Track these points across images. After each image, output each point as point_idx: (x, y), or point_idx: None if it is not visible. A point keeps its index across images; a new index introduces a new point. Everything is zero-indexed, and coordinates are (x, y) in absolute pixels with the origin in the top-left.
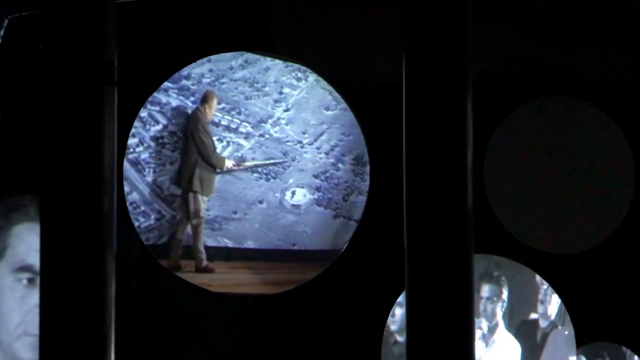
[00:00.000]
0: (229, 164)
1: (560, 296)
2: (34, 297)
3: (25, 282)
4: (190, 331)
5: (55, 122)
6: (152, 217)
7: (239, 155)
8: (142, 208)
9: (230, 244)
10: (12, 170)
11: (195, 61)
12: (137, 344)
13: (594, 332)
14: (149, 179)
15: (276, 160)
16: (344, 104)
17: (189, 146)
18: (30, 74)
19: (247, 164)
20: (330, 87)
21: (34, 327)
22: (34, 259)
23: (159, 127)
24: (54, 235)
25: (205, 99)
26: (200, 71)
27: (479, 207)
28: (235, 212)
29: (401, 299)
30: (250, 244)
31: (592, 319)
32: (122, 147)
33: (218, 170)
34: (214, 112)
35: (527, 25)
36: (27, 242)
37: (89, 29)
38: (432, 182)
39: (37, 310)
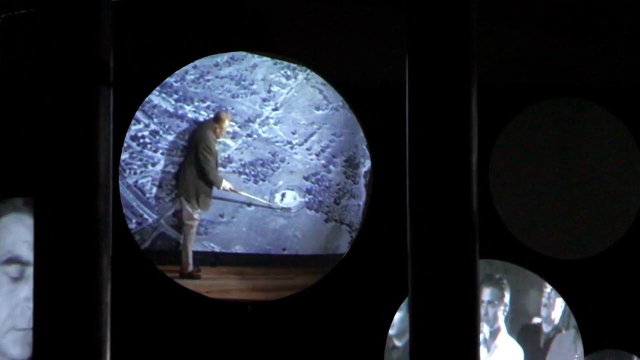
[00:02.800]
0: (226, 185)
1: (568, 302)
2: (22, 290)
3: (13, 274)
4: (186, 337)
5: (48, 123)
6: (134, 221)
7: (226, 155)
8: (123, 211)
9: (217, 249)
10: (4, 174)
11: (192, 61)
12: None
13: (602, 338)
14: (130, 181)
15: (273, 205)
16: (335, 103)
17: (192, 158)
18: (23, 74)
19: (243, 193)
20: (320, 86)
21: (22, 322)
22: (21, 250)
23: (140, 126)
24: (48, 240)
25: (218, 119)
26: (184, 68)
27: (485, 211)
28: (222, 216)
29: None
30: (238, 249)
31: (600, 325)
32: (118, 149)
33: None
34: (225, 132)
35: (534, 26)
36: (14, 233)
37: (84, 29)
38: (436, 186)
39: (25, 304)
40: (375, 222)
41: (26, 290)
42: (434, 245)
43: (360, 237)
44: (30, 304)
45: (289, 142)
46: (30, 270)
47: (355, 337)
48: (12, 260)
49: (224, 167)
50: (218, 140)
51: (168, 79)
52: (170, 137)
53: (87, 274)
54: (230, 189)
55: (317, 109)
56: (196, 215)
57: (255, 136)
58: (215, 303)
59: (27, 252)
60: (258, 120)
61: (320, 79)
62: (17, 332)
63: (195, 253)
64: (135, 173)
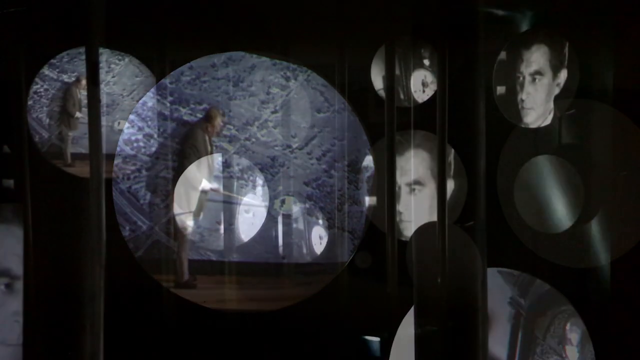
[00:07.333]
0: (205, 185)
1: (580, 313)
2: (12, 304)
3: (2, 287)
4: (182, 348)
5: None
6: (127, 228)
7: (223, 160)
8: (116, 218)
9: (213, 257)
10: None
11: (190, 61)
12: None
13: (616, 352)
14: (123, 186)
15: (252, 203)
16: (336, 106)
17: (184, 161)
18: (10, 74)
19: (225, 192)
20: (322, 88)
21: (11, 337)
22: (11, 263)
23: (133, 129)
24: (38, 247)
25: (209, 117)
26: (179, 69)
27: (492, 217)
28: (219, 222)
29: None
30: (235, 257)
31: (613, 338)
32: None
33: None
34: (218, 129)
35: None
36: (3, 245)
37: (74, 27)
38: (441, 191)
39: (14, 319)
40: (378, 230)
41: (15, 304)
42: (440, 253)
43: (363, 245)
44: (20, 319)
45: (289, 146)
46: (19, 284)
47: (357, 349)
48: (1, 273)
49: (221, 172)
50: (212, 139)
51: (162, 80)
52: (166, 141)
53: (78, 283)
54: (212, 189)
55: (318, 111)
56: (190, 222)
57: (253, 140)
58: (212, 313)
59: (16, 266)
60: (256, 123)
61: (321, 80)
62: (7, 348)
63: (191, 261)
64: (128, 178)
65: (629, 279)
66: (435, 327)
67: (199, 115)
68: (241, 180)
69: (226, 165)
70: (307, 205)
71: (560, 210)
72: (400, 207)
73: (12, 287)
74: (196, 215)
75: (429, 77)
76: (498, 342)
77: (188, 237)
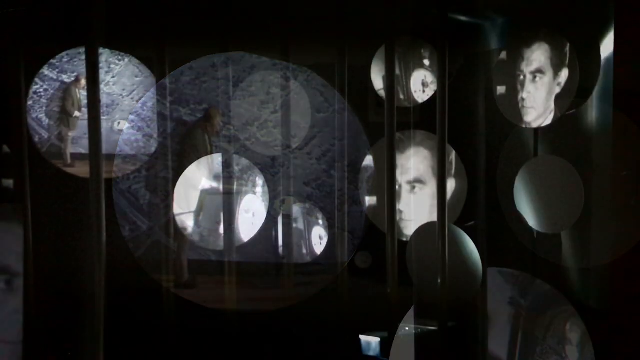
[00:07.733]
0: (205, 184)
1: (580, 314)
2: (11, 302)
3: (2, 284)
4: (182, 348)
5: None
6: (127, 228)
7: (223, 160)
8: (117, 219)
9: (213, 257)
10: None
11: (190, 61)
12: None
13: (616, 352)
14: (123, 186)
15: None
16: (336, 106)
17: (183, 161)
18: (11, 73)
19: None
20: (322, 88)
21: (11, 334)
22: (10, 260)
23: (133, 129)
24: (38, 247)
25: (208, 117)
26: (179, 69)
27: (492, 217)
28: (218, 222)
29: None
30: (235, 257)
31: (614, 339)
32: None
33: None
34: (218, 129)
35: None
36: (3, 242)
37: (74, 27)
38: (441, 192)
39: (14, 317)
40: (378, 230)
41: (15, 302)
42: (439, 255)
43: (363, 245)
44: (20, 317)
45: (289, 146)
46: (19, 282)
47: (357, 349)
48: (1, 270)
49: (221, 172)
50: (212, 139)
51: (162, 80)
52: (165, 141)
53: (78, 283)
54: (211, 187)
55: (318, 111)
56: (190, 222)
57: (253, 140)
58: (212, 313)
59: (15, 263)
60: (256, 123)
61: (321, 80)
62: (7, 345)
63: (191, 261)
64: (128, 178)
65: (629, 279)
66: (435, 327)
67: (199, 116)
68: (241, 180)
69: (226, 165)
70: (307, 206)
71: (561, 210)
72: (400, 205)
73: (11, 284)
74: (196, 215)
75: (429, 77)
76: (498, 342)
77: (188, 237)
